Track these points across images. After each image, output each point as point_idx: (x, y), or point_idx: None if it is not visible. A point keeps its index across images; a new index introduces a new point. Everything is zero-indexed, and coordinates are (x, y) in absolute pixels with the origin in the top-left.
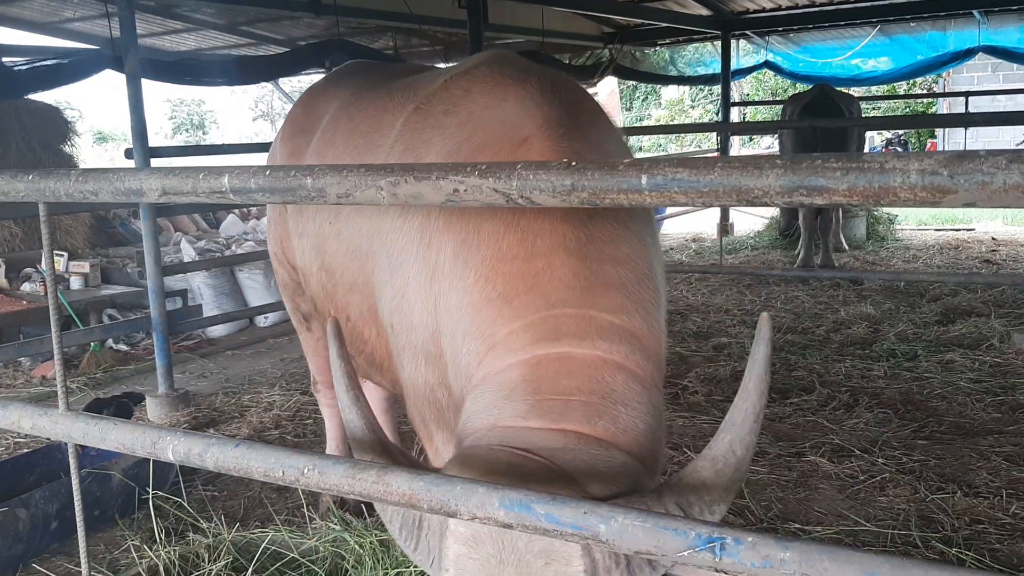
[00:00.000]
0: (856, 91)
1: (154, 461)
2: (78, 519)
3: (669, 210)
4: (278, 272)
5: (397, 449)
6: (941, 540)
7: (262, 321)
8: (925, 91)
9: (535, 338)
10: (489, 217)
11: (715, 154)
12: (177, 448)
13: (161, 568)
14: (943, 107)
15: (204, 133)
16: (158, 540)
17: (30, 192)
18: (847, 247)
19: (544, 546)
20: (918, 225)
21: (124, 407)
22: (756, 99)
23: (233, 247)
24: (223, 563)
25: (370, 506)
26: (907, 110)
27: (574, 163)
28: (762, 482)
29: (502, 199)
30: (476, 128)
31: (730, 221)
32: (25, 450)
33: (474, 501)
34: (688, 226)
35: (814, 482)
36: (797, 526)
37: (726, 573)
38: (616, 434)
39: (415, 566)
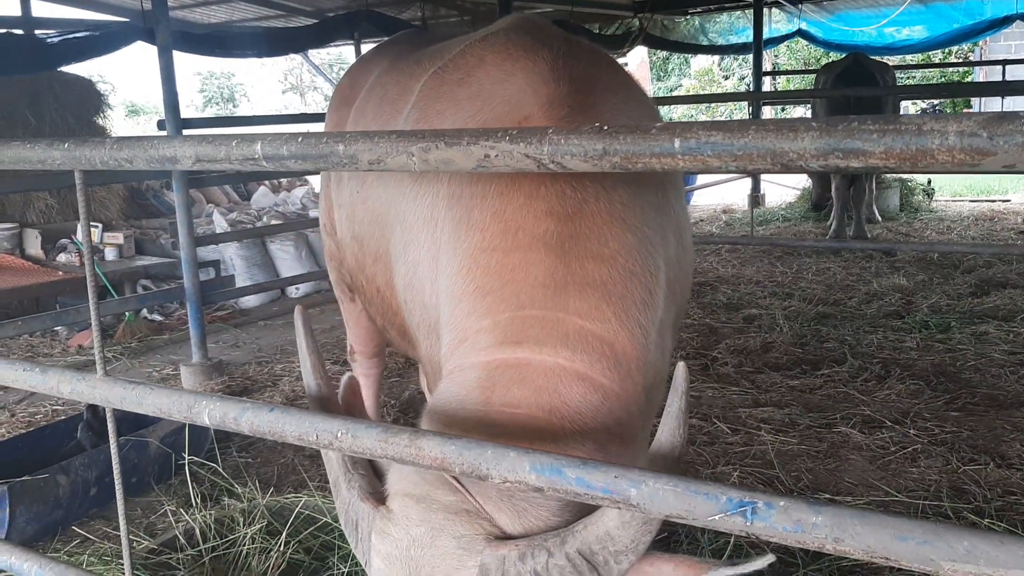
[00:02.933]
0: (890, 60)
1: (190, 429)
2: (116, 482)
3: (699, 181)
4: (326, 243)
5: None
6: (973, 511)
7: (293, 292)
8: (961, 60)
9: (499, 340)
10: (480, 204)
11: None
12: (213, 412)
13: (197, 531)
14: (979, 76)
15: (234, 106)
16: (194, 504)
17: (66, 160)
18: (880, 218)
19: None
20: (952, 196)
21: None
22: (788, 69)
23: (264, 219)
24: (258, 527)
25: None
26: (942, 79)
27: (606, 127)
28: (792, 452)
29: (533, 164)
30: (484, 104)
31: (761, 192)
32: (63, 417)
33: (505, 465)
34: (718, 198)
35: (845, 453)
36: (827, 496)
37: (758, 537)
38: (553, 450)
39: None
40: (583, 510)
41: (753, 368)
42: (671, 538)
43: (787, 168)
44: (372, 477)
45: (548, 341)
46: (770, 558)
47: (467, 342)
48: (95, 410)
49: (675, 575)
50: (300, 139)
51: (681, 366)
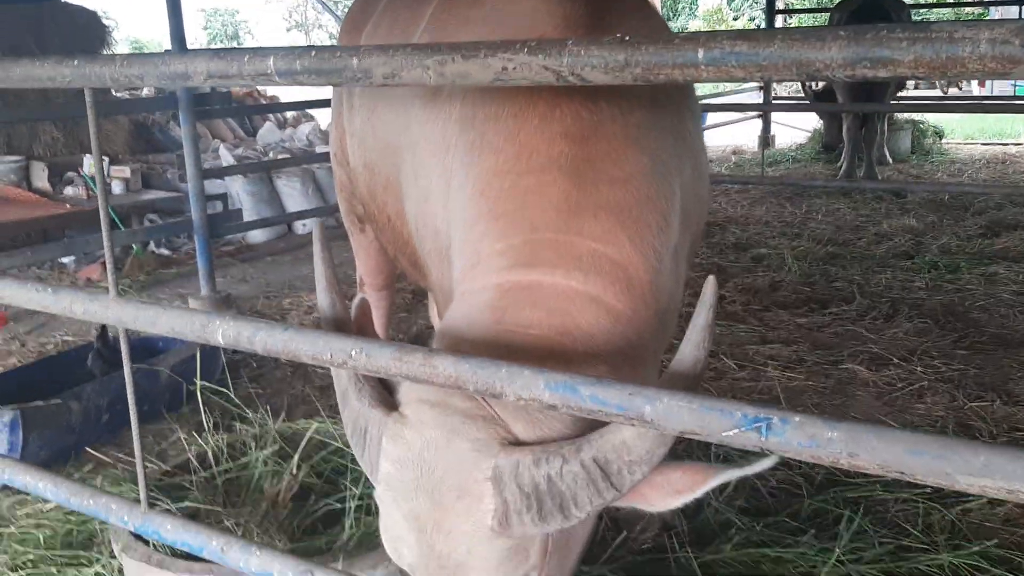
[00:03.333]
0: None
1: (201, 358)
2: (130, 402)
3: (709, 121)
4: (337, 173)
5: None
6: (1001, 445)
7: (300, 228)
8: None
9: (511, 263)
10: (493, 126)
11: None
12: (227, 332)
13: (210, 455)
14: (995, 14)
15: (238, 43)
16: (207, 429)
17: (75, 77)
18: (891, 160)
19: (458, 481)
20: (965, 139)
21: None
22: (801, 7)
23: (270, 155)
24: (269, 451)
25: None
26: (956, 18)
27: (628, 38)
28: (798, 388)
29: (552, 76)
30: (497, 24)
31: (771, 134)
32: (75, 346)
33: (519, 383)
34: (728, 139)
35: (852, 389)
36: None
37: (773, 453)
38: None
39: None
40: (596, 423)
41: (761, 306)
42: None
43: (813, 77)
44: (382, 389)
45: (561, 264)
46: (773, 459)
47: (480, 265)
48: (105, 339)
49: (683, 480)
50: (313, 53)
51: (711, 280)
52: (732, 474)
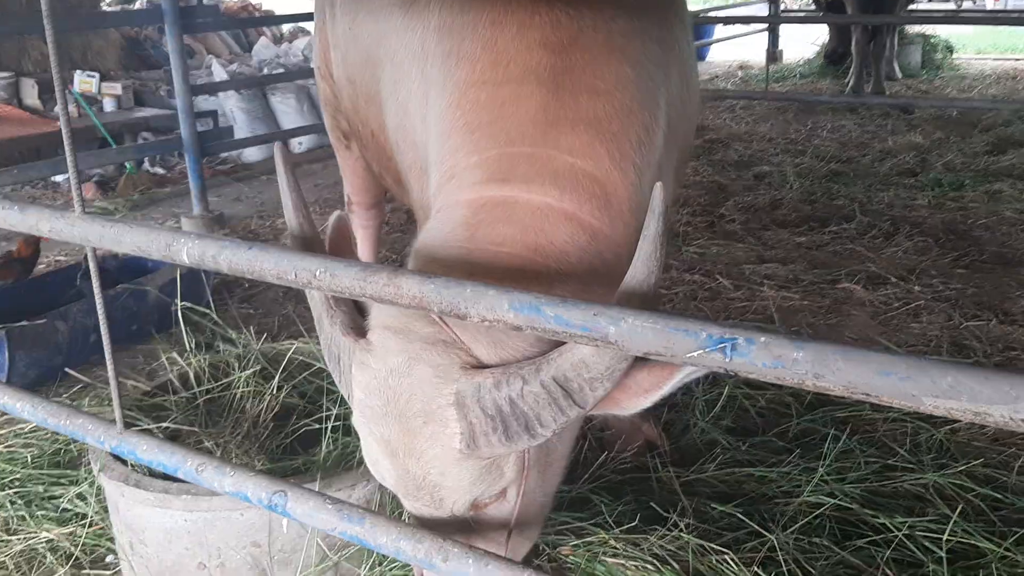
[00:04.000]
0: None
1: (190, 280)
2: (101, 322)
3: (716, 35)
4: (320, 87)
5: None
6: (972, 365)
7: (296, 147)
8: None
9: (486, 177)
10: (471, 34)
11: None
12: (192, 250)
13: (191, 375)
14: None
15: None
16: (188, 349)
17: None
18: (900, 75)
19: (423, 407)
20: (976, 54)
21: None
22: None
23: (265, 70)
24: (251, 371)
25: None
26: None
27: None
28: (794, 308)
29: None
30: None
31: (779, 48)
32: (67, 265)
33: (484, 304)
34: (734, 54)
35: (847, 308)
36: None
37: (737, 374)
38: (535, 289)
39: None
40: (561, 343)
41: (760, 225)
42: None
43: None
44: (355, 314)
45: (537, 179)
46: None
47: (454, 180)
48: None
49: (649, 379)
50: None
51: (658, 186)
52: (697, 371)
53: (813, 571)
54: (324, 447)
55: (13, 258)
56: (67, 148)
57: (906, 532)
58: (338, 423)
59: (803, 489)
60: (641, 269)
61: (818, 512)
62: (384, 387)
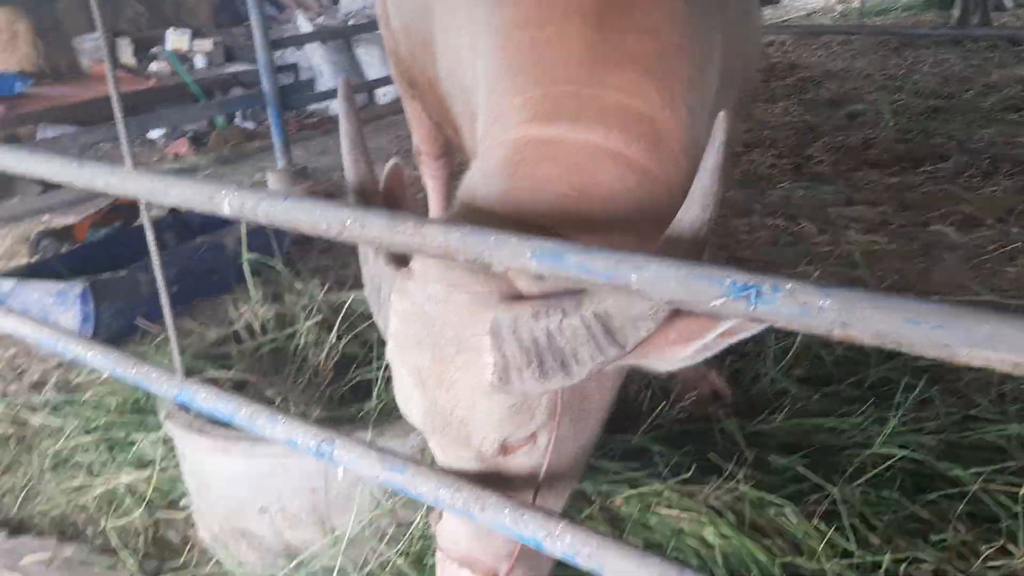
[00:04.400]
0: None
1: (264, 232)
2: (158, 277)
3: None
4: (384, 36)
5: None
6: (1012, 312)
7: (382, 98)
8: None
9: (530, 116)
10: None
11: None
12: (232, 202)
13: (257, 324)
14: None
15: None
16: (253, 300)
17: None
18: (1009, 5)
19: (456, 335)
20: None
21: None
22: None
23: (351, 22)
24: (313, 321)
25: None
26: None
27: None
28: (881, 252)
29: None
30: None
31: None
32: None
33: (506, 251)
34: None
35: (938, 252)
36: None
37: (762, 322)
38: (581, 228)
39: None
40: None
41: (850, 166)
42: None
43: None
44: None
45: (582, 118)
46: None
47: (499, 121)
48: (176, 212)
49: (694, 325)
50: None
51: (721, 115)
52: (749, 325)
53: (879, 525)
54: (376, 397)
55: (119, 204)
56: (115, 107)
57: (982, 485)
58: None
59: (874, 440)
60: (697, 203)
61: (888, 464)
62: (420, 314)
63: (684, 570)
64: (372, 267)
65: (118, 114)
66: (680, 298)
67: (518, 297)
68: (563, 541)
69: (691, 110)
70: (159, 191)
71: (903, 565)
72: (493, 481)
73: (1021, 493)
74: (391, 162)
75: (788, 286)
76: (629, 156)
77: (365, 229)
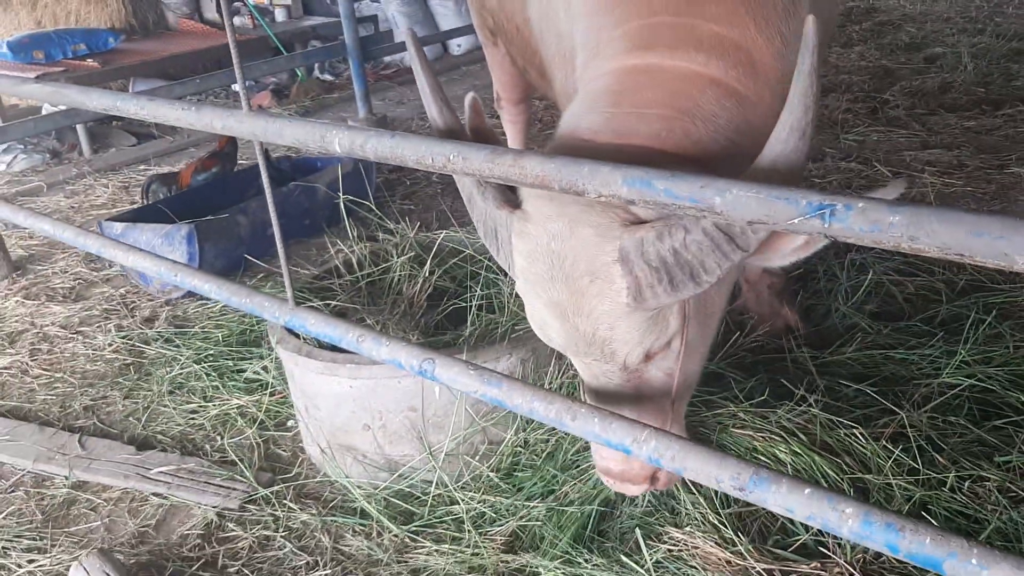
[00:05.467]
0: None
1: (356, 177)
2: (271, 211)
3: None
4: None
5: (490, 136)
6: None
7: (455, 49)
8: None
9: (629, 46)
10: None
11: None
12: (343, 140)
13: (355, 261)
14: None
15: None
16: (351, 238)
17: None
18: None
19: (588, 267)
20: None
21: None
22: None
23: None
24: (407, 257)
25: None
26: None
27: None
28: (955, 195)
29: None
30: None
31: None
32: (247, 163)
33: (599, 180)
34: None
35: (1014, 195)
36: None
37: (836, 238)
38: (686, 148)
39: None
40: None
41: (926, 110)
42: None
43: None
44: (504, 188)
45: (681, 46)
46: (901, 185)
47: (598, 56)
48: (269, 159)
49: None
50: None
51: (810, 19)
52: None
53: (945, 447)
54: (470, 324)
55: (217, 151)
56: (233, 56)
57: None
58: (482, 302)
59: (943, 372)
60: (798, 105)
61: (955, 391)
62: (547, 252)
63: (759, 469)
64: (482, 210)
65: (236, 61)
66: (760, 218)
67: (637, 222)
68: (648, 446)
69: (785, 40)
70: (274, 131)
71: (967, 483)
72: (634, 385)
73: None
74: (469, 96)
75: (860, 204)
76: (727, 83)
77: (467, 162)
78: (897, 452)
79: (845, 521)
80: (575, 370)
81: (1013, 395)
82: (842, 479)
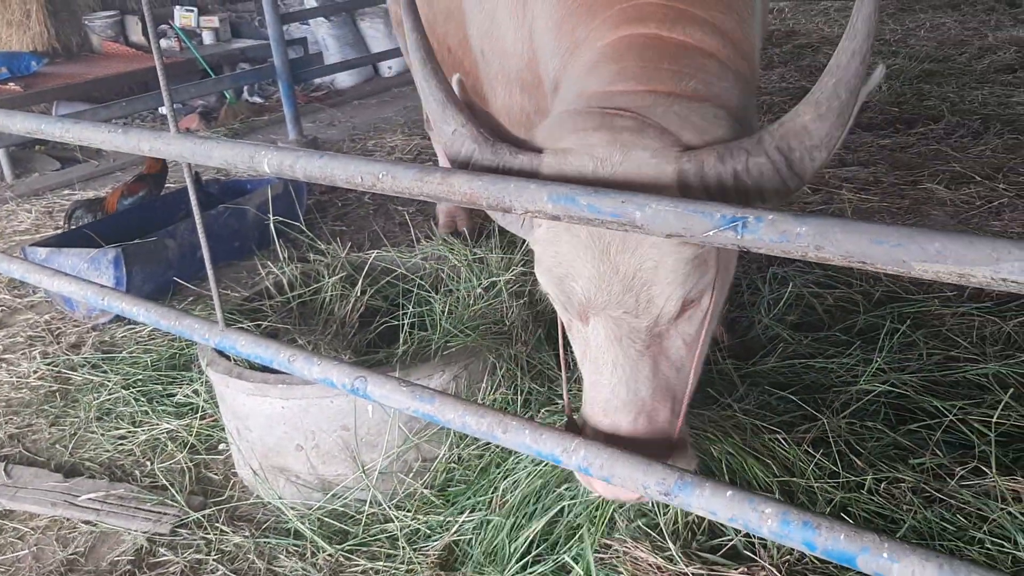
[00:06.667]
0: None
1: (286, 199)
2: (200, 234)
3: None
4: (392, 10)
5: (479, 109)
6: (958, 232)
7: (386, 71)
8: None
9: (619, 22)
10: None
11: None
12: (271, 161)
13: (285, 282)
14: None
15: None
16: (282, 259)
17: None
18: None
19: (643, 191)
20: None
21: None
22: None
23: None
24: (338, 277)
25: (476, 234)
26: None
27: None
28: (871, 210)
29: None
30: None
31: None
32: (176, 187)
33: (526, 197)
34: None
35: (927, 209)
36: None
37: (748, 249)
38: (708, 94)
39: (504, 271)
40: (753, 129)
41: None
42: None
43: None
44: (510, 142)
45: (676, 23)
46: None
47: (581, 46)
48: (199, 181)
49: None
50: None
51: None
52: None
53: (863, 451)
54: (402, 342)
55: (143, 174)
56: (160, 78)
57: (959, 416)
58: (415, 320)
59: (860, 378)
60: (860, 31)
61: (871, 397)
62: (593, 181)
63: (683, 474)
64: (492, 166)
65: (164, 83)
66: (678, 231)
67: (690, 147)
68: (578, 455)
69: (754, 32)
70: (203, 152)
71: (884, 484)
72: (655, 348)
73: (993, 421)
74: (455, 78)
75: (769, 216)
76: (721, 56)
77: (396, 180)
78: (818, 456)
79: (765, 521)
80: (507, 386)
81: (926, 400)
82: (772, 482)
